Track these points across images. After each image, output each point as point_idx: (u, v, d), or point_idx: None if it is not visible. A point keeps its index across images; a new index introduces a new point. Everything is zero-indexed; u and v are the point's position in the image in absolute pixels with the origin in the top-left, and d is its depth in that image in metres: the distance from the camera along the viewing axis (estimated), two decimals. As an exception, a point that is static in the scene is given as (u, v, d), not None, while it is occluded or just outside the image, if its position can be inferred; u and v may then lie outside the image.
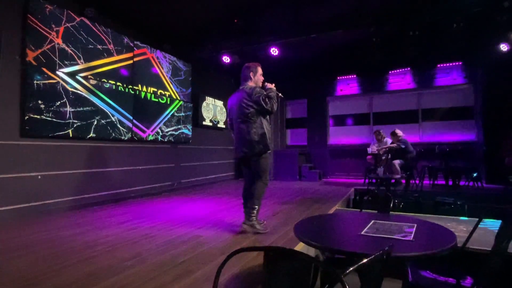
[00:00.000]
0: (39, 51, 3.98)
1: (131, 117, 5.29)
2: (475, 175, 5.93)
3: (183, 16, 5.42)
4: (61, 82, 4.22)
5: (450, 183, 6.22)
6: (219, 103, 7.99)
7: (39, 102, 3.95)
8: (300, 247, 2.41)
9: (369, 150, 6.67)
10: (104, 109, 4.82)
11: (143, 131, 5.55)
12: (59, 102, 4.18)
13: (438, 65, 7.57)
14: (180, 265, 2.18)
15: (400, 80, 8.04)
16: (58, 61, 4.18)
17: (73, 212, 4.14)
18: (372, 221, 1.66)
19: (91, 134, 4.59)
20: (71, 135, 4.31)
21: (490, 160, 6.64)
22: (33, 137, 3.93)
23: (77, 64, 4.44)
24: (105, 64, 4.87)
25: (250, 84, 3.26)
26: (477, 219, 1.72)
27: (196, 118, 7.03)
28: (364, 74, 8.36)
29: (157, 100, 5.88)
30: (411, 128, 7.86)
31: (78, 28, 4.47)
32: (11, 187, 3.71)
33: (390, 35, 5.74)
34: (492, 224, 2.89)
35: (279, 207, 4.38)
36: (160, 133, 5.93)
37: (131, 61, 5.34)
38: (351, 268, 0.86)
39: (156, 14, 5.23)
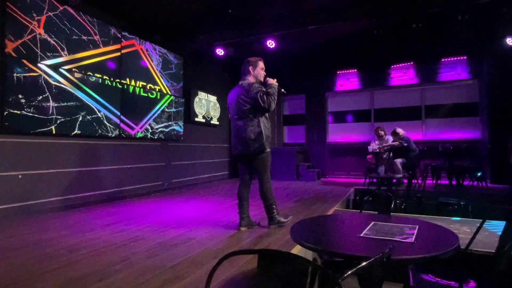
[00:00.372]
0: (19, 41, 3.92)
1: (118, 113, 5.24)
2: (479, 174, 6.00)
3: (174, 6, 5.37)
4: (43, 75, 4.16)
5: (454, 182, 6.28)
6: (213, 98, 7.96)
7: (19, 96, 3.90)
8: (297, 250, 2.42)
9: (370, 148, 6.70)
10: (90, 104, 4.77)
11: (132, 128, 5.51)
12: (41, 97, 4.13)
13: (442, 60, 7.62)
14: (170, 270, 2.17)
15: (402, 75, 8.07)
16: (39, 52, 4.13)
17: (57, 213, 4.10)
18: (372, 223, 1.67)
19: (76, 131, 4.55)
20: (54, 132, 4.26)
21: (495, 159, 6.71)
22: (13, 133, 3.88)
23: (61, 56, 4.38)
24: (90, 56, 4.82)
25: (250, 79, 3.26)
26: (481, 220, 1.74)
27: (188, 114, 7.00)
28: (365, 69, 8.38)
29: (146, 95, 5.84)
30: (414, 125, 7.91)
31: (62, 17, 4.41)
32: (-11, 187, 3.67)
33: (392, 27, 5.76)
34: (497, 226, 2.93)
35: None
36: (150, 130, 5.89)
37: (118, 53, 5.29)
38: (349, 272, 0.86)
39: (145, 3, 5.17)
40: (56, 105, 4.30)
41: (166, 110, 6.31)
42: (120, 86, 5.31)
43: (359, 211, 2.50)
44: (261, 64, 3.32)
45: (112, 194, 5.13)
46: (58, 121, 4.32)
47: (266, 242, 2.81)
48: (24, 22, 3.96)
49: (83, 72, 4.68)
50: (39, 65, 4.11)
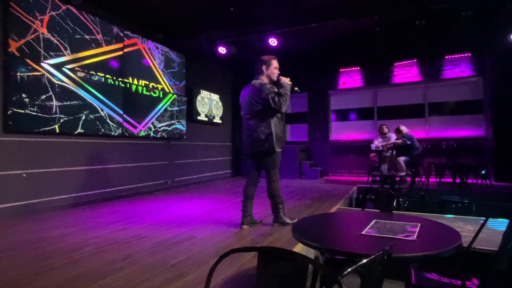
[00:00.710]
0: (23, 41, 3.93)
1: (121, 112, 5.26)
2: (483, 172, 5.95)
3: (176, 4, 5.36)
4: (46, 74, 4.18)
5: (458, 180, 6.24)
6: (215, 96, 7.96)
7: (23, 95, 3.92)
8: (299, 248, 2.41)
9: (373, 146, 6.66)
10: (93, 103, 4.79)
11: (134, 127, 5.53)
12: (44, 96, 4.15)
13: (446, 57, 7.55)
14: (172, 268, 2.18)
15: (406, 72, 8.02)
16: (43, 52, 4.14)
17: (60, 212, 4.13)
18: (374, 221, 1.66)
19: (79, 130, 4.57)
20: (57, 131, 4.29)
21: (500, 156, 6.65)
22: (17, 132, 3.90)
23: (64, 55, 4.40)
24: (93, 55, 4.83)
25: (262, 78, 3.26)
26: (484, 218, 1.72)
27: (190, 112, 7.01)
28: (368, 66, 8.33)
29: (149, 93, 5.85)
30: (417, 123, 7.86)
31: (64, 16, 4.42)
32: (-6, 186, 3.70)
33: (395, 24, 5.71)
34: (500, 224, 2.90)
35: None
36: (153, 129, 5.91)
37: (121, 52, 5.30)
38: (349, 270, 0.85)
39: (147, 2, 5.18)
40: (59, 104, 4.32)
41: (169, 108, 6.32)
42: (123, 85, 5.32)
43: (361, 209, 2.49)
44: (274, 63, 3.30)
45: (115, 193, 5.15)
46: (62, 120, 4.34)
47: (268, 240, 2.81)
48: (27, 21, 3.98)
49: (86, 71, 4.69)
50: (42, 64, 4.13)
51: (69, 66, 4.47)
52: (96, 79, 4.85)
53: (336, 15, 5.42)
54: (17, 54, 3.87)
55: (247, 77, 9.96)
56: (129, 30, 5.50)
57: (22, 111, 3.91)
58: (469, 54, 7.37)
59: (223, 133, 8.45)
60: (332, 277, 0.80)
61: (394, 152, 6.29)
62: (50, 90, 4.21)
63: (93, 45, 4.82)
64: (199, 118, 7.29)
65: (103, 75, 4.97)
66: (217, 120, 8.01)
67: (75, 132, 4.52)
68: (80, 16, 4.65)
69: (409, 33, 5.61)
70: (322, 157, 8.68)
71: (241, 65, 8.21)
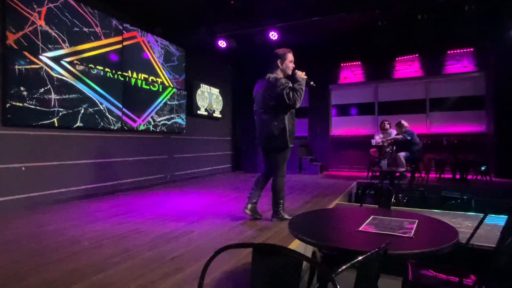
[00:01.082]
0: (20, 33, 3.90)
1: (120, 106, 5.24)
2: (483, 168, 5.94)
3: (176, -3, 5.31)
4: (45, 67, 4.16)
5: (458, 176, 6.24)
6: (215, 90, 7.93)
7: (22, 88, 3.90)
8: (297, 243, 2.42)
9: (373, 141, 6.65)
10: (92, 96, 4.77)
11: (134, 121, 5.51)
12: (43, 89, 4.13)
13: (448, 52, 7.49)
14: (170, 262, 2.19)
15: (407, 67, 7.96)
16: (41, 44, 4.11)
17: (59, 205, 4.14)
18: (371, 217, 1.66)
19: (78, 124, 4.56)
20: (56, 124, 4.28)
21: (501, 153, 6.63)
22: (16, 126, 3.89)
23: (62, 48, 4.37)
24: (92, 48, 4.80)
25: (277, 73, 3.23)
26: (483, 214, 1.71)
27: (190, 106, 6.99)
28: (369, 61, 8.28)
29: (148, 87, 5.82)
30: (418, 118, 7.83)
31: (62, 8, 4.38)
32: (-7, 179, 3.70)
33: (397, 18, 5.65)
34: (499, 220, 2.90)
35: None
36: (152, 123, 5.89)
37: (120, 45, 5.26)
38: (344, 267, 0.84)
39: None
40: (58, 97, 4.30)
41: (168, 102, 6.30)
42: (122, 79, 5.29)
43: (359, 205, 2.49)
44: (290, 57, 3.25)
45: (115, 187, 5.17)
46: (61, 114, 4.33)
47: (266, 236, 2.81)
48: (24, 13, 3.94)
49: (84, 64, 4.66)
50: (40, 57, 4.10)
51: (68, 59, 4.44)
52: (95, 72, 4.82)
53: (337, 9, 5.37)
54: (15, 46, 3.84)
55: (248, 71, 9.95)
56: (128, 23, 5.45)
57: (21, 105, 3.90)
58: (472, 49, 7.31)
59: (223, 128, 8.44)
60: (327, 274, 0.80)
61: (394, 147, 6.28)
62: (48, 83, 4.19)
63: (92, 38, 4.78)
64: (199, 112, 7.27)
65: (102, 68, 4.94)
66: (217, 114, 7.99)
67: (74, 126, 4.51)
68: (79, 9, 4.60)
69: (411, 27, 5.56)
70: (322, 152, 8.67)
71: (242, 58, 8.17)
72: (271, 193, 3.32)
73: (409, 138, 6.01)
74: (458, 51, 7.41)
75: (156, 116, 5.99)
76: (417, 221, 1.57)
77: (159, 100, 6.07)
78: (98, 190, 4.87)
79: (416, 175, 5.95)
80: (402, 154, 6.05)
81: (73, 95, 4.51)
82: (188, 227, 3.11)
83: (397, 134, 6.36)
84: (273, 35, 6.15)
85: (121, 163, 5.31)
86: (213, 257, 1.03)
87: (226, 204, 4.29)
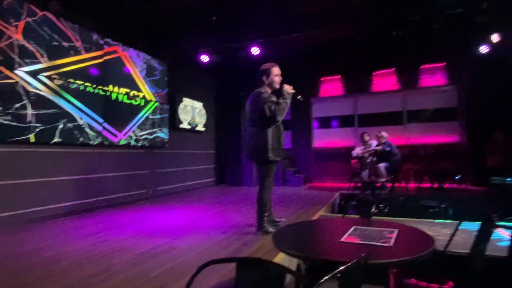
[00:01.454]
0: (-4, 48, 3.81)
1: (101, 120, 5.15)
2: (458, 177, 6.18)
3: (158, 12, 5.36)
4: (21, 82, 4.05)
5: (436, 185, 6.46)
6: (198, 104, 7.94)
7: (-4, 104, 3.78)
8: (281, 257, 2.43)
9: (354, 153, 6.81)
10: (71, 111, 4.68)
11: (115, 135, 5.42)
12: (18, 104, 4.01)
13: (422, 66, 7.87)
14: (152, 280, 2.14)
15: (385, 81, 8.28)
16: (17, 59, 4.02)
17: (36, 224, 3.96)
18: (353, 227, 1.70)
19: (56, 139, 4.43)
20: (33, 140, 4.14)
21: (474, 162, 6.94)
22: (-11, 142, 3.75)
23: (40, 62, 4.29)
24: (71, 62, 4.73)
25: (264, 88, 3.30)
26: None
27: (173, 120, 6.94)
28: (348, 75, 8.56)
29: (129, 101, 5.77)
30: (397, 130, 8.09)
31: (41, 23, 4.32)
32: (-38, 199, 3.52)
33: (373, 35, 5.92)
34: (474, 226, 3.01)
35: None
36: (133, 137, 5.81)
37: (101, 60, 5.22)
38: (325, 278, 0.87)
39: (128, 9, 5.14)
40: (35, 112, 4.19)
41: (151, 117, 6.24)
42: (103, 93, 5.22)
43: (342, 216, 2.53)
44: (274, 71, 3.31)
45: (95, 204, 5.01)
46: (37, 129, 4.20)
47: (251, 249, 2.80)
48: (0, 27, 3.86)
49: (63, 79, 4.58)
50: (16, 71, 4.00)
51: (46, 74, 4.36)
52: (74, 87, 4.74)
53: (317, 25, 5.57)
54: (-11, 61, 3.73)
55: (231, 84, 10.03)
56: (110, 37, 5.43)
57: (-5, 120, 3.76)
58: (444, 64, 7.71)
59: (207, 141, 8.41)
60: (309, 286, 0.82)
61: (375, 158, 6.45)
62: (24, 98, 4.08)
63: (71, 52, 4.72)
64: (181, 126, 7.23)
65: (82, 83, 4.87)
66: (200, 128, 7.98)
67: (52, 142, 4.39)
68: (58, 23, 4.55)
69: (387, 43, 5.83)
70: (305, 164, 8.77)
71: (225, 72, 8.26)
72: (256, 205, 3.32)
73: (388, 149, 6.21)
74: (431, 65, 7.80)
75: (138, 130, 5.92)
76: (396, 230, 1.62)
77: (141, 114, 6.01)
78: (77, 207, 4.71)
79: (396, 185, 6.11)
80: (382, 165, 6.23)
81: (51, 110, 4.40)
82: (171, 243, 3.05)
83: (377, 145, 6.55)
84: (255, 50, 6.28)
85: (101, 179, 5.17)
86: (196, 273, 1.03)
87: (210, 218, 4.25)
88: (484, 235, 1.48)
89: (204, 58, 6.77)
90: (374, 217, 2.30)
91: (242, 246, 2.91)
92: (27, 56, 4.14)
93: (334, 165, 8.59)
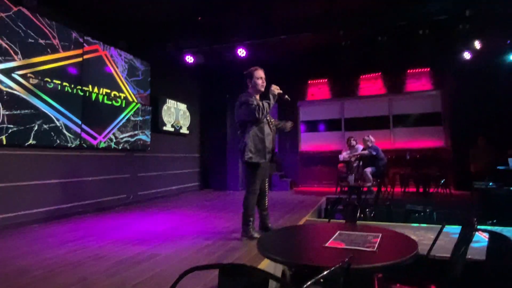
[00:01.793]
0: (-34, 44, 3.68)
1: (79, 122, 5.04)
2: (442, 181, 6.38)
3: (141, 10, 5.31)
4: (-7, 80, 3.92)
5: (421, 190, 6.63)
6: (182, 106, 7.88)
7: (-35, 103, 3.64)
8: (266, 263, 2.43)
9: (341, 157, 6.92)
10: (47, 112, 4.55)
11: (94, 138, 5.31)
12: (-10, 104, 3.88)
13: (408, 71, 8.11)
14: (132, 289, 2.10)
15: (371, 85, 8.48)
16: (-11, 56, 3.89)
17: (6, 232, 3.82)
18: (338, 232, 1.72)
19: (31, 141, 4.30)
20: (4, 142, 4.01)
21: (458, 166, 7.17)
22: (-43, 144, 3.60)
23: (14, 60, 4.16)
24: (48, 61, 4.61)
25: (249, 91, 3.40)
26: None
27: (155, 122, 6.86)
28: (335, 79, 8.71)
29: (110, 102, 5.67)
30: (383, 134, 8.29)
31: (15, 19, 4.20)
32: None
33: (359, 39, 6.06)
34: (457, 231, 3.11)
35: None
36: (114, 140, 5.71)
37: (80, 59, 5.11)
38: (309, 283, 0.88)
39: (109, 7, 5.07)
40: (7, 113, 4.05)
41: (132, 118, 6.15)
42: (82, 93, 5.11)
43: (328, 220, 2.57)
44: (257, 74, 3.39)
45: (71, 209, 4.87)
46: (10, 131, 4.07)
47: (235, 256, 2.80)
48: (-28, 23, 3.74)
49: (39, 77, 4.46)
50: (-12, 69, 3.87)
51: (20, 72, 4.23)
52: (51, 86, 4.62)
53: (303, 29, 5.66)
54: (-41, 58, 3.60)
55: (216, 86, 9.99)
56: (90, 35, 5.33)
57: (-37, 121, 3.62)
58: (428, 69, 7.97)
59: (191, 144, 8.35)
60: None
61: (361, 163, 6.57)
62: (-3, 98, 3.95)
63: (48, 50, 4.61)
64: (165, 128, 7.16)
65: (59, 82, 4.75)
66: (184, 130, 7.92)
67: (26, 144, 4.25)
68: (34, 19, 4.44)
69: (373, 47, 5.98)
70: (292, 168, 8.84)
71: (210, 74, 8.25)
72: (242, 210, 3.34)
73: (374, 153, 6.34)
74: (417, 70, 8.05)
75: (119, 132, 5.82)
76: (380, 235, 1.66)
77: (122, 116, 5.92)
78: (53, 213, 4.57)
79: (382, 189, 6.24)
80: (368, 170, 6.35)
81: (26, 111, 4.27)
82: (152, 250, 3.00)
83: (363, 149, 6.68)
84: (241, 52, 6.30)
85: (79, 183, 5.04)
86: (177, 280, 1.03)
87: (193, 224, 4.21)
88: (464, 239, 1.53)
89: (189, 59, 6.74)
90: (359, 222, 2.35)
91: (226, 253, 2.90)
92: (0, 54, 4.01)
93: (321, 169, 8.70)
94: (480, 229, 1.64)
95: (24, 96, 4.26)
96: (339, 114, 8.85)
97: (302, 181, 8.84)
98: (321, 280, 1.00)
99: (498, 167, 5.51)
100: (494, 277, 1.54)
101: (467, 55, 6.28)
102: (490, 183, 4.98)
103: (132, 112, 6.15)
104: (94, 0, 4.89)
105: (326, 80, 8.83)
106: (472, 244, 1.55)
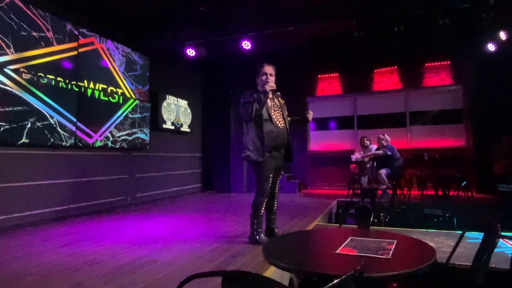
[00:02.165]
0: (-44, 37, 3.74)
1: (74, 119, 5.09)
2: (463, 184, 6.30)
3: (139, 0, 5.34)
4: (-15, 75, 3.98)
5: (440, 193, 6.57)
6: (183, 102, 7.92)
7: (-45, 100, 3.70)
8: (273, 270, 2.44)
9: (353, 157, 6.89)
10: (41, 109, 4.61)
11: (90, 136, 5.36)
12: (-19, 100, 3.94)
13: (426, 64, 8.03)
14: (130, 296, 2.12)
15: (386, 79, 8.42)
16: (-20, 50, 3.95)
17: (1, 235, 3.89)
18: (350, 238, 1.72)
19: (24, 140, 4.36)
20: (-4, 141, 4.07)
21: (480, 168, 7.08)
22: None
23: (6, 54, 4.22)
24: (42, 55, 4.67)
25: (258, 88, 3.48)
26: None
27: (155, 120, 6.91)
28: (347, 73, 8.66)
29: (107, 99, 5.72)
30: (398, 132, 8.22)
31: (8, 10, 4.26)
32: None
33: (374, 29, 6.02)
34: (479, 237, 3.08)
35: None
36: (111, 138, 5.76)
37: (75, 52, 5.17)
38: (317, 292, 0.88)
39: (106, -2, 5.11)
40: (-1, 110, 4.12)
41: (130, 115, 6.20)
42: (77, 89, 5.17)
43: (338, 225, 2.56)
44: (262, 70, 3.46)
45: (67, 211, 4.94)
46: (2, 129, 4.13)
47: (240, 262, 2.81)
48: (-38, 15, 3.80)
49: (33, 72, 4.52)
50: (-21, 64, 3.93)
51: (13, 67, 4.29)
52: (45, 82, 4.68)
53: (312, 18, 5.63)
54: (-51, 52, 3.66)
55: (219, 81, 10.00)
56: (85, 27, 5.38)
57: (-46, 118, 3.69)
58: (449, 62, 7.88)
59: (192, 143, 8.39)
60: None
61: (375, 163, 6.53)
62: (-12, 94, 4.01)
63: (42, 43, 4.67)
64: (164, 126, 7.20)
65: (53, 77, 4.81)
66: (185, 128, 7.95)
67: (19, 142, 4.31)
68: (27, 11, 4.50)
69: (389, 39, 5.93)
70: (300, 169, 8.82)
71: (213, 68, 8.27)
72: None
73: (389, 153, 6.29)
74: (436, 63, 7.97)
75: (116, 131, 5.87)
76: (395, 241, 1.65)
77: (119, 113, 5.97)
78: (47, 216, 4.63)
79: (397, 192, 6.19)
80: (383, 172, 6.30)
81: (18, 108, 4.33)
82: (151, 256, 3.03)
83: (377, 149, 6.63)
84: (246, 44, 6.31)
85: (74, 184, 5.10)
86: (178, 287, 1.04)
87: (194, 228, 4.23)
88: (487, 246, 1.51)
89: (190, 52, 6.77)
90: (373, 227, 2.34)
91: (231, 259, 2.91)
92: (-8, 47, 4.07)
93: (332, 170, 8.67)
94: (504, 236, 1.62)
95: (17, 92, 4.32)
96: (351, 111, 8.81)
97: (311, 183, 8.82)
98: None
99: (524, 169, 5.43)
100: (519, 287, 1.52)
101: (491, 47, 6.19)
102: (516, 186, 4.92)
103: (130, 109, 6.20)
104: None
105: (337, 74, 8.78)
106: (496, 252, 1.53)
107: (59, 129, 4.85)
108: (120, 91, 6.01)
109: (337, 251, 1.52)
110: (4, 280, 2.44)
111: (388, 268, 1.30)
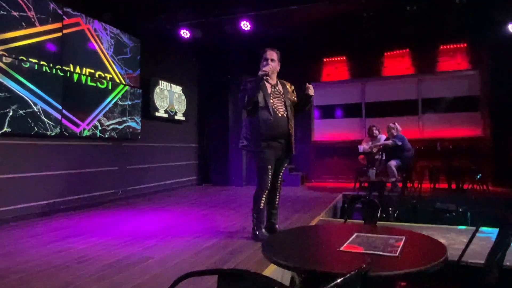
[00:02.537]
0: None
1: (59, 107, 5.08)
2: (478, 176, 6.31)
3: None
4: (-38, 59, 3.96)
5: (454, 186, 6.59)
6: (177, 88, 7.89)
7: None
8: (273, 268, 2.46)
9: (361, 148, 6.89)
10: (23, 95, 4.60)
11: (77, 125, 5.36)
12: (-41, 86, 3.93)
13: (441, 47, 7.95)
14: (122, 296, 2.15)
15: (397, 63, 8.36)
16: (-43, 31, 3.92)
17: (-20, 231, 3.92)
18: (355, 234, 1.73)
19: (5, 129, 4.36)
20: (-24, 130, 4.08)
21: (497, 159, 7.09)
22: None
23: (-16, 36, 4.19)
24: (23, 37, 4.63)
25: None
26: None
27: (146, 107, 6.90)
28: (355, 56, 8.60)
29: (94, 84, 5.70)
30: (410, 121, 8.20)
31: (-15, -12, 4.21)
32: None
33: (384, 9, 5.95)
34: (494, 234, 3.10)
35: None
36: (99, 127, 5.76)
37: (59, 34, 5.12)
38: (319, 292, 0.89)
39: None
40: (-22, 96, 4.11)
41: (120, 103, 6.19)
42: (62, 74, 5.14)
43: (343, 221, 2.58)
44: (264, 55, 3.50)
45: (53, 206, 4.97)
46: (-18, 117, 4.13)
47: (238, 260, 2.84)
48: None
49: (13, 56, 4.49)
50: (-44, 47, 3.91)
51: (-8, 50, 4.26)
52: (27, 66, 4.65)
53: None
54: None
55: (216, 66, 9.94)
56: (70, 7, 5.33)
57: None
58: (465, 45, 7.81)
59: (187, 133, 8.39)
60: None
61: (384, 154, 6.54)
62: (-34, 79, 4.00)
63: (23, 24, 4.62)
64: (157, 114, 7.19)
65: (36, 61, 4.78)
66: (179, 116, 7.94)
67: (0, 132, 4.32)
68: (6, -12, 4.44)
69: (400, 20, 5.87)
70: (303, 160, 8.83)
71: (209, 51, 8.21)
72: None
73: (399, 143, 6.29)
74: (451, 46, 7.89)
75: (105, 119, 5.86)
76: (404, 238, 1.66)
77: (108, 99, 5.95)
78: (32, 210, 4.67)
79: (408, 185, 6.22)
80: (393, 163, 6.31)
81: (-1, 94, 4.33)
82: (144, 253, 3.06)
83: (386, 139, 6.63)
84: (245, 25, 6.25)
85: (60, 176, 5.12)
86: (172, 286, 1.05)
87: (190, 223, 4.27)
88: (502, 243, 1.53)
89: (185, 34, 6.71)
90: (380, 223, 2.35)
91: (228, 256, 2.94)
92: (-31, 28, 4.04)
93: (337, 162, 8.69)
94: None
95: (-3, 77, 4.30)
96: (359, 98, 8.77)
97: (315, 175, 8.85)
98: (334, 288, 1.01)
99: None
100: (535, 286, 1.54)
101: (511, 28, 6.12)
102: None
103: (119, 95, 6.18)
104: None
105: (344, 58, 8.72)
106: (511, 249, 1.55)
107: (43, 117, 4.84)
108: (108, 76, 5.98)
109: (342, 248, 1.53)
110: (-13, 278, 2.48)
111: (396, 266, 1.31)
